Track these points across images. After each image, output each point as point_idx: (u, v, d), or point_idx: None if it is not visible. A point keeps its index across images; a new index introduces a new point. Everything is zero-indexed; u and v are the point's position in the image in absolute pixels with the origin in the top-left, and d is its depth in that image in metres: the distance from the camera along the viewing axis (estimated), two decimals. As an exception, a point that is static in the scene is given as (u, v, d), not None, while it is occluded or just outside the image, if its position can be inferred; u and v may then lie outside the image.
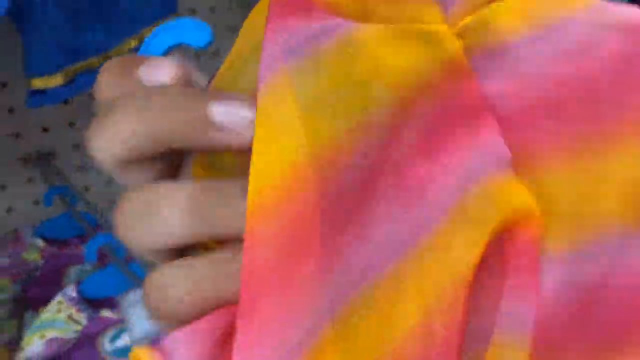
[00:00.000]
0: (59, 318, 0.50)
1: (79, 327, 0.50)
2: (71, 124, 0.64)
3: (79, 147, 0.65)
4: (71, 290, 0.50)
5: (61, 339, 0.50)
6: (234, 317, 0.09)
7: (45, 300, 0.60)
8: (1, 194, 0.61)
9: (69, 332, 0.50)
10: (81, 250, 0.61)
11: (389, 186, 0.11)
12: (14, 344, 0.62)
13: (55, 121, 0.62)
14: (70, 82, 0.50)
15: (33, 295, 0.61)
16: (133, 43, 0.53)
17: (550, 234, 0.11)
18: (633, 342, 0.11)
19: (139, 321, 0.34)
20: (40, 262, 0.59)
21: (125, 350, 0.55)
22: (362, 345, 0.10)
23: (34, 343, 0.49)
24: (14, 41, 0.54)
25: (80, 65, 0.50)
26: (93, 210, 0.48)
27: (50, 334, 0.50)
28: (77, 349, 0.52)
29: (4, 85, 0.57)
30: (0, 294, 0.59)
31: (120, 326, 0.53)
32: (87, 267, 0.61)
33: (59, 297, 0.51)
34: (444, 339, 0.11)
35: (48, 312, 0.50)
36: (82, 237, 0.63)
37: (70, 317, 0.50)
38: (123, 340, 0.54)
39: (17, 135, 0.60)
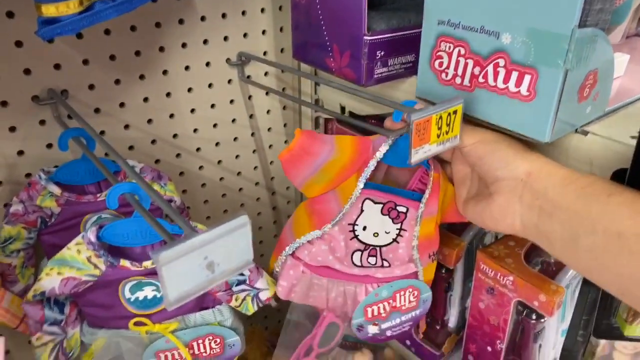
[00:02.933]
0: (78, 259, 0.48)
1: (97, 272, 0.48)
2: (85, 62, 0.58)
3: (94, 87, 0.60)
4: (91, 234, 0.48)
5: (78, 279, 0.48)
6: None
7: (60, 249, 0.57)
8: (11, 135, 0.56)
9: (86, 274, 0.48)
10: (98, 197, 0.57)
11: None
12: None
13: (68, 57, 0.57)
14: (86, 10, 0.44)
15: (48, 243, 0.57)
16: (155, -32, 0.47)
17: None
18: None
19: (175, 280, 0.30)
20: (56, 209, 0.56)
21: (144, 303, 0.52)
22: None
23: (51, 277, 0.48)
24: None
25: (97, -10, 0.44)
26: (114, 155, 0.43)
27: (69, 272, 0.48)
28: (96, 290, 0.50)
29: (11, 15, 0.52)
30: (15, 242, 0.55)
31: (141, 279, 0.51)
32: (106, 215, 0.57)
33: (78, 239, 0.48)
34: None
35: (67, 251, 0.48)
36: (99, 184, 0.59)
37: (88, 259, 0.48)
38: (144, 293, 0.52)
39: (27, 72, 0.55)
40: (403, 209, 0.54)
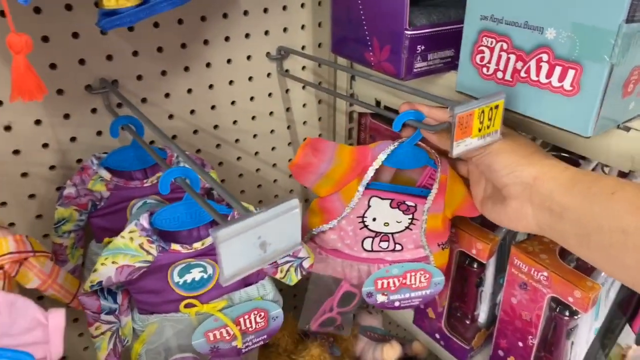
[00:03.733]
0: (131, 246, 0.49)
1: (150, 258, 0.50)
2: (134, 53, 0.61)
3: (142, 78, 0.63)
4: (144, 220, 0.49)
5: (132, 266, 0.50)
6: None
7: (109, 231, 0.60)
8: (65, 122, 0.59)
9: (140, 261, 0.50)
10: (145, 183, 0.60)
11: None
12: (78, 272, 0.62)
13: (120, 49, 0.60)
14: (143, 3, 0.47)
15: (97, 225, 0.60)
16: (206, -37, 0.49)
17: None
18: None
19: (231, 257, 0.32)
20: (106, 193, 0.59)
21: (192, 285, 0.54)
22: None
23: (107, 266, 0.49)
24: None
25: (154, -16, 0.47)
26: (164, 140, 0.45)
27: (122, 260, 0.49)
28: (148, 277, 0.52)
29: (69, 8, 0.55)
30: (67, 223, 0.58)
31: (190, 261, 0.53)
32: (150, 200, 0.60)
33: (131, 226, 0.50)
34: None
35: (121, 239, 0.50)
36: (145, 171, 0.61)
37: (141, 246, 0.50)
38: (192, 275, 0.54)
39: (82, 62, 0.58)
40: (412, 204, 0.60)
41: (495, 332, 0.70)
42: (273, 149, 0.80)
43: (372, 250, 0.63)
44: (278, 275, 0.57)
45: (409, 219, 0.61)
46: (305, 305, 0.68)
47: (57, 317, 0.41)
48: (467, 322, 0.77)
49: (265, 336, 0.60)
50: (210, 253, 0.53)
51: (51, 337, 0.41)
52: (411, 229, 0.62)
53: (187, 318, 0.56)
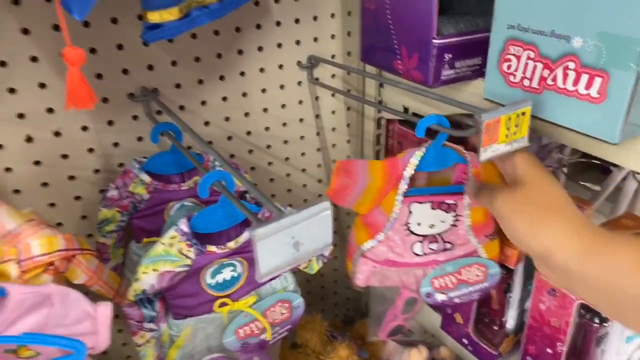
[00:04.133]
0: (171, 252, 0.51)
1: (189, 262, 0.52)
2: (173, 63, 0.65)
3: (180, 86, 0.66)
4: (183, 225, 0.52)
5: (173, 272, 0.52)
6: None
7: (147, 232, 0.64)
8: (109, 128, 0.63)
9: (180, 265, 0.52)
10: (182, 187, 0.63)
11: None
12: (119, 270, 0.66)
13: (160, 59, 0.63)
14: (184, 17, 0.50)
15: (137, 226, 0.64)
16: (242, -21, 0.52)
17: None
18: None
19: (267, 255, 0.34)
20: (146, 195, 0.62)
21: (224, 285, 0.57)
22: None
23: (148, 274, 0.51)
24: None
25: (194, 0, 0.50)
26: (202, 146, 0.48)
27: (163, 267, 0.51)
28: (184, 282, 0.54)
29: (115, 21, 0.58)
30: (109, 224, 0.62)
31: (222, 261, 0.55)
32: (187, 203, 0.63)
33: (172, 232, 0.51)
34: None
35: (161, 246, 0.51)
36: (183, 175, 0.65)
37: (180, 251, 0.51)
38: (223, 275, 0.56)
39: (125, 72, 0.61)
40: (451, 202, 0.61)
41: (524, 339, 0.70)
42: (303, 154, 0.83)
43: (423, 254, 0.64)
44: (302, 266, 0.60)
45: (453, 216, 0.62)
46: (370, 318, 0.70)
47: (105, 310, 0.44)
48: (495, 327, 0.77)
49: (289, 326, 0.63)
50: (241, 251, 0.55)
51: (99, 328, 0.44)
52: (457, 226, 0.62)
53: (219, 318, 0.58)
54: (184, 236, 0.52)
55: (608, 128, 0.45)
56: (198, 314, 0.58)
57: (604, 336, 0.63)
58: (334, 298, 1.03)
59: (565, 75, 0.46)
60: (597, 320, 0.62)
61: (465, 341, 0.79)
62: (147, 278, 0.51)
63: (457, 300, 0.67)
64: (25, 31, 0.54)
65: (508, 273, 0.72)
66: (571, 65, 0.46)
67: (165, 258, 0.51)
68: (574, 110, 0.47)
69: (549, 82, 0.48)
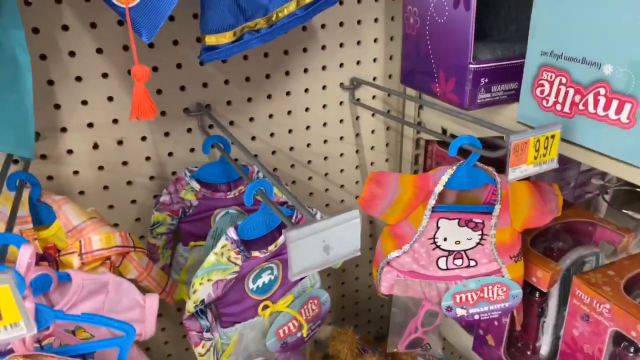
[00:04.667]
0: (222, 261, 0.54)
1: (237, 268, 0.55)
2: (226, 82, 0.70)
3: (231, 103, 0.72)
4: (232, 233, 0.54)
5: (225, 280, 0.55)
6: None
7: (194, 236, 0.68)
8: (166, 139, 0.69)
9: (230, 273, 0.55)
10: (228, 195, 0.68)
11: None
12: (166, 270, 0.71)
13: (214, 78, 0.69)
14: (237, 40, 0.55)
15: (185, 230, 0.69)
16: (292, 7, 0.57)
17: None
18: None
19: (299, 255, 0.37)
20: (195, 202, 0.67)
21: (263, 289, 0.60)
22: None
23: (204, 285, 0.54)
24: (185, 3, 0.61)
25: (247, 25, 0.55)
26: (249, 158, 0.52)
27: (216, 276, 0.54)
28: (231, 289, 0.57)
29: (176, 43, 0.65)
30: (160, 226, 0.68)
31: (262, 266, 0.59)
32: (232, 210, 0.68)
33: (223, 241, 0.54)
34: None
35: (213, 256, 0.54)
36: (229, 184, 0.70)
37: (229, 259, 0.54)
38: (263, 279, 0.60)
39: (182, 89, 0.67)
40: (479, 221, 0.63)
41: (556, 364, 0.69)
42: (342, 171, 0.86)
43: (447, 269, 0.65)
44: None
45: (479, 235, 0.63)
46: (391, 328, 0.72)
47: (153, 300, 0.49)
48: (529, 352, 0.76)
49: (320, 321, 0.66)
50: (279, 253, 0.58)
51: (147, 317, 0.49)
52: (483, 245, 0.64)
53: (260, 321, 0.61)
54: (233, 244, 0.54)
55: (637, 152, 0.45)
56: (244, 319, 0.60)
57: (639, 366, 0.62)
58: (368, 315, 1.05)
59: (596, 101, 0.48)
60: (632, 350, 0.61)
61: (496, 364, 0.79)
62: (204, 289, 0.54)
63: (476, 317, 0.68)
64: (99, 50, 0.61)
65: (542, 296, 0.71)
66: (602, 91, 0.47)
67: (217, 267, 0.54)
68: (605, 134, 0.48)
69: (580, 107, 0.50)
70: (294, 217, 0.58)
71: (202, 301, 0.55)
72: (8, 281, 0.29)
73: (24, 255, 0.39)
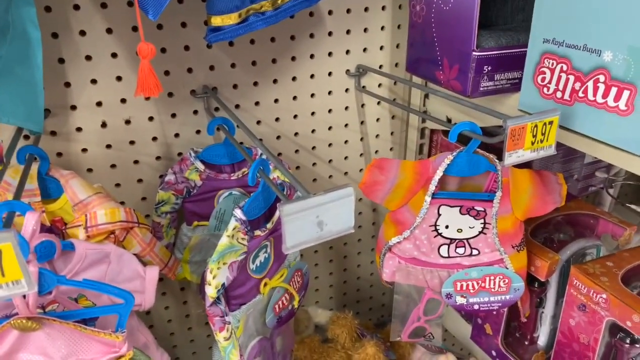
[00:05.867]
0: (234, 243, 0.54)
1: (245, 249, 0.55)
2: (232, 65, 0.71)
3: (237, 87, 0.73)
4: (241, 214, 0.54)
5: (237, 261, 0.55)
6: None
7: (197, 216, 0.70)
8: (172, 120, 0.71)
9: (241, 253, 0.55)
10: (232, 177, 0.69)
11: None
12: (170, 248, 0.72)
13: (221, 61, 0.70)
14: (242, 22, 0.56)
15: (189, 210, 0.70)
16: (297, -10, 0.58)
17: None
18: None
19: (293, 229, 0.38)
20: (199, 182, 0.68)
21: (260, 267, 0.61)
22: None
23: (222, 269, 0.54)
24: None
25: (252, 7, 0.56)
26: (252, 139, 0.54)
27: (229, 258, 0.54)
28: (239, 272, 0.58)
29: (184, 25, 0.66)
30: (165, 205, 0.69)
31: (261, 244, 0.60)
32: (235, 192, 0.69)
33: (233, 223, 0.54)
34: None
35: (226, 239, 0.54)
36: (233, 166, 0.71)
37: (238, 240, 0.55)
38: (260, 258, 0.61)
39: (189, 71, 0.69)
40: (481, 209, 0.63)
41: (553, 354, 0.70)
42: (346, 158, 0.87)
43: (449, 257, 0.66)
44: None
45: (481, 223, 0.64)
46: (394, 317, 0.73)
47: (153, 272, 0.50)
48: (526, 342, 0.77)
49: (304, 291, 0.69)
50: (273, 230, 0.59)
51: (147, 288, 0.50)
52: (485, 233, 0.64)
53: (259, 300, 0.62)
54: (242, 225, 0.55)
55: (635, 140, 0.46)
56: (249, 299, 0.61)
57: (635, 357, 0.62)
58: (369, 303, 1.06)
59: (596, 88, 0.48)
60: (627, 341, 0.61)
61: (494, 353, 0.79)
62: (222, 273, 0.54)
63: (476, 307, 0.68)
64: (109, 30, 0.62)
65: (540, 287, 0.72)
66: (601, 78, 0.47)
67: (230, 250, 0.54)
68: (603, 122, 0.48)
69: (580, 94, 0.50)
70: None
71: (223, 285, 0.55)
72: (10, 239, 0.31)
73: (29, 221, 0.40)
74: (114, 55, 0.64)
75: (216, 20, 0.55)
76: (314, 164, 0.85)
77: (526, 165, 0.58)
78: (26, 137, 0.63)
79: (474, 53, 0.60)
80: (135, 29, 0.63)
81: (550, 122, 0.49)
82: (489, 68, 0.61)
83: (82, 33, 0.61)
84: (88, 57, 0.63)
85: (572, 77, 0.50)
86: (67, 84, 0.63)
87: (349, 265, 0.99)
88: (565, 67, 0.51)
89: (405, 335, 0.72)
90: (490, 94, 0.63)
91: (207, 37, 0.57)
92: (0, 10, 0.49)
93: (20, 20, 0.49)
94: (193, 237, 0.71)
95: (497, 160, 0.61)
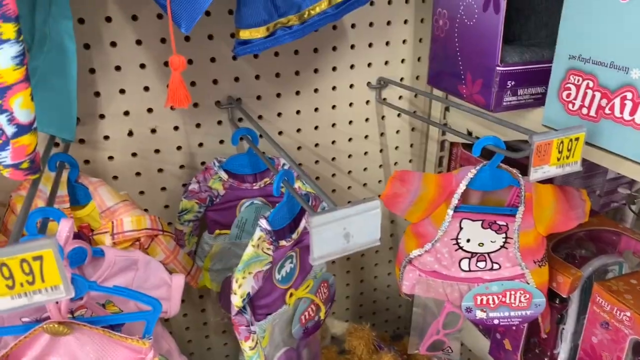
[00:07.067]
0: (260, 253, 0.55)
1: (270, 258, 0.56)
2: (257, 77, 0.72)
3: (261, 98, 0.74)
4: (266, 224, 0.55)
5: (262, 270, 0.56)
6: None
7: (219, 225, 0.71)
8: (197, 130, 0.72)
9: (266, 263, 0.56)
10: (254, 186, 0.70)
11: None
12: (191, 256, 0.73)
13: (245, 73, 0.71)
14: (270, 35, 0.57)
15: (211, 219, 0.71)
16: (324, 5, 0.59)
17: None
18: None
19: (320, 241, 0.39)
20: (222, 191, 0.69)
21: (286, 278, 0.62)
22: None
23: (247, 278, 0.54)
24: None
25: (280, 21, 0.57)
26: (277, 149, 0.54)
27: (254, 268, 0.55)
28: (265, 282, 0.58)
29: (211, 37, 0.67)
30: (188, 213, 0.70)
31: (286, 254, 0.60)
32: (257, 202, 0.70)
33: (258, 233, 0.54)
34: None
35: (251, 249, 0.54)
36: (255, 176, 0.72)
37: (263, 250, 0.55)
38: (285, 269, 0.61)
39: (215, 82, 0.70)
40: (503, 223, 0.63)
41: (574, 372, 0.69)
42: (365, 169, 0.88)
43: (469, 270, 0.66)
44: None
45: (503, 238, 0.64)
46: (412, 330, 0.73)
47: (179, 280, 0.51)
48: (546, 359, 0.76)
49: (330, 303, 0.69)
50: (299, 241, 0.60)
51: (173, 295, 0.51)
52: (507, 248, 0.64)
53: (285, 310, 0.62)
54: (267, 235, 0.55)
55: (663, 158, 0.45)
56: (275, 309, 0.61)
57: (659, 378, 0.61)
58: (385, 314, 1.06)
59: (623, 105, 0.48)
60: (652, 360, 0.60)
61: (513, 369, 0.78)
62: (247, 282, 0.55)
63: (495, 322, 0.68)
64: (139, 42, 0.64)
65: (561, 303, 0.71)
66: (629, 95, 0.47)
67: (255, 260, 0.55)
68: (630, 139, 0.48)
69: (607, 111, 0.50)
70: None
71: (248, 294, 0.55)
72: (52, 246, 0.32)
73: (64, 228, 0.41)
74: (142, 66, 0.65)
75: (245, 34, 0.56)
76: (333, 175, 0.85)
77: (549, 180, 0.58)
78: (56, 145, 0.65)
79: (497, 68, 0.60)
80: (163, 40, 0.65)
81: (577, 139, 0.49)
82: (513, 83, 0.61)
83: (113, 44, 0.63)
84: (117, 68, 0.65)
85: (598, 94, 0.50)
86: (97, 94, 0.65)
87: (366, 277, 0.99)
88: (591, 84, 0.51)
89: (423, 349, 0.72)
90: (513, 108, 0.63)
91: (235, 50, 0.58)
92: (39, 22, 0.50)
93: (57, 32, 0.51)
94: (214, 245, 0.72)
95: (519, 175, 0.61)
